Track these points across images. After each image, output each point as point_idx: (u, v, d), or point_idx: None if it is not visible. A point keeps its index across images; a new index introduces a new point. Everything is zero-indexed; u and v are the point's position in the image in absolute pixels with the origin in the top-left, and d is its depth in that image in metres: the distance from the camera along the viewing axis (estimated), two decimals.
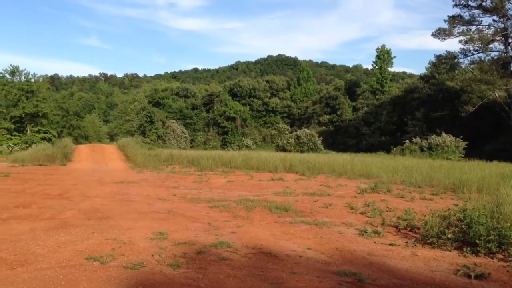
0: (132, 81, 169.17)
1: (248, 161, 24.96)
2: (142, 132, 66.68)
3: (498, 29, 44.00)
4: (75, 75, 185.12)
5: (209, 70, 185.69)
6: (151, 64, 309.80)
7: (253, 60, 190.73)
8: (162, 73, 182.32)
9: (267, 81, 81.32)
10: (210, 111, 75.34)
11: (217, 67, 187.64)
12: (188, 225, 8.67)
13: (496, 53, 45.26)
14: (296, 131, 55.87)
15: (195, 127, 74.02)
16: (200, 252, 6.55)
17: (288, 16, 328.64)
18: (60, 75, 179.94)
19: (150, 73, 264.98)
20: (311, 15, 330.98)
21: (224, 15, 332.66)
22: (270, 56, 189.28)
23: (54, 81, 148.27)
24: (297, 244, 7.38)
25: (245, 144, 65.51)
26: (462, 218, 7.48)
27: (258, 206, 10.99)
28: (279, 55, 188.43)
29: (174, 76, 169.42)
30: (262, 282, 5.31)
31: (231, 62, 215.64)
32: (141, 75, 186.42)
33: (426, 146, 38.42)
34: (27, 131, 50.40)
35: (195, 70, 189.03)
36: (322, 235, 8.12)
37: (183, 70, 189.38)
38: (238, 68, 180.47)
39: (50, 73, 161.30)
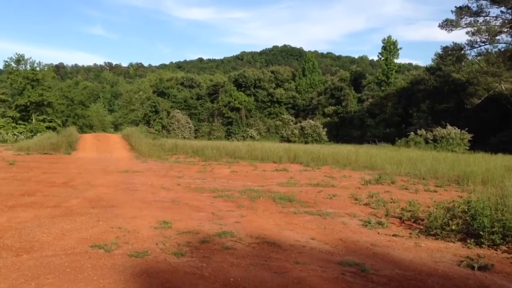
0: (137, 71, 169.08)
1: (253, 151, 24.96)
2: (146, 122, 66.74)
3: (506, 21, 43.54)
4: (80, 64, 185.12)
5: (214, 60, 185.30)
6: (156, 53, 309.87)
7: (259, 51, 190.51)
8: (167, 62, 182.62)
9: (272, 72, 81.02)
10: (215, 101, 75.20)
11: (222, 57, 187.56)
12: (192, 215, 8.69)
13: (504, 45, 44.86)
14: (300, 122, 55.82)
15: (200, 117, 73.98)
16: (204, 241, 6.57)
17: (294, 6, 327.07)
18: (65, 64, 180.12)
19: (155, 62, 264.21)
20: (317, 5, 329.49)
21: (229, 5, 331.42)
22: (275, 47, 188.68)
23: (59, 70, 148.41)
24: (301, 234, 7.39)
25: (250, 134, 65.49)
26: (466, 209, 7.48)
27: (262, 196, 11.02)
28: (285, 45, 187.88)
29: (179, 66, 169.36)
30: (266, 271, 5.33)
31: (236, 52, 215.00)
32: (146, 64, 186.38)
33: (431, 138, 38.27)
34: (32, 119, 50.58)
35: (200, 60, 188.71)
36: (326, 225, 8.13)
37: (188, 60, 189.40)
38: (243, 58, 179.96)
39: (55, 62, 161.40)
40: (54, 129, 46.67)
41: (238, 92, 72.73)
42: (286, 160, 22.65)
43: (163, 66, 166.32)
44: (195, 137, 66.91)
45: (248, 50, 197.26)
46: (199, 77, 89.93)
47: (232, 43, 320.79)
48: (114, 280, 4.83)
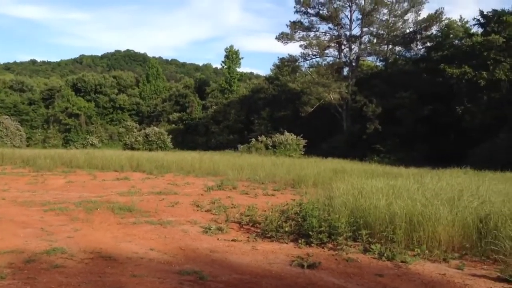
0: None
1: (92, 160, 23.66)
2: None
3: (333, 36, 48.65)
4: None
5: (49, 63, 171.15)
6: None
7: (100, 54, 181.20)
8: None
9: (114, 77, 78.44)
10: (50, 107, 70.06)
11: (58, 60, 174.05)
12: (17, 231, 7.82)
13: (331, 58, 49.99)
14: (145, 129, 54.64)
15: (33, 124, 68.21)
16: (29, 261, 5.94)
17: (137, 11, 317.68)
18: None
19: None
20: (161, 11, 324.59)
21: (66, 5, 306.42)
22: (117, 51, 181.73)
23: None
24: (140, 245, 7.14)
25: (90, 142, 62.11)
26: (298, 211, 8.03)
27: (100, 207, 10.41)
28: (128, 50, 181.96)
29: (8, 67, 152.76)
30: None
31: (75, 55, 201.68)
32: None
33: (271, 144, 40.43)
34: None
35: (33, 62, 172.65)
36: (166, 234, 7.99)
37: (18, 61, 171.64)
38: (82, 62, 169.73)
39: None
40: None
41: (77, 98, 69.07)
42: (129, 168, 21.92)
43: None
44: (27, 146, 61.28)
45: (88, 53, 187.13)
46: (32, 80, 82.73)
47: (70, 45, 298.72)
48: None
